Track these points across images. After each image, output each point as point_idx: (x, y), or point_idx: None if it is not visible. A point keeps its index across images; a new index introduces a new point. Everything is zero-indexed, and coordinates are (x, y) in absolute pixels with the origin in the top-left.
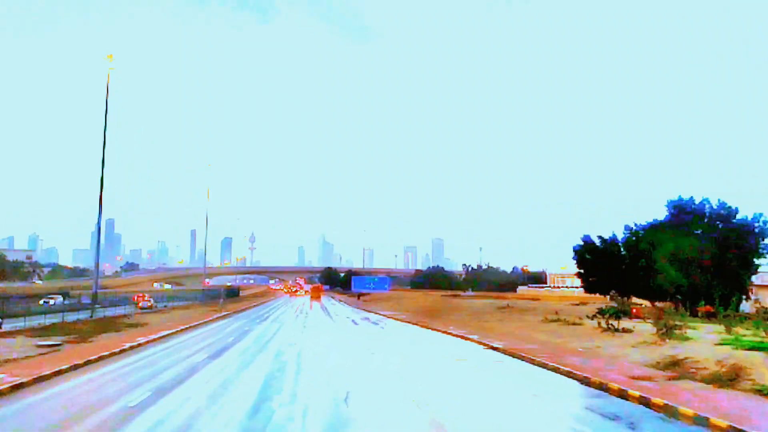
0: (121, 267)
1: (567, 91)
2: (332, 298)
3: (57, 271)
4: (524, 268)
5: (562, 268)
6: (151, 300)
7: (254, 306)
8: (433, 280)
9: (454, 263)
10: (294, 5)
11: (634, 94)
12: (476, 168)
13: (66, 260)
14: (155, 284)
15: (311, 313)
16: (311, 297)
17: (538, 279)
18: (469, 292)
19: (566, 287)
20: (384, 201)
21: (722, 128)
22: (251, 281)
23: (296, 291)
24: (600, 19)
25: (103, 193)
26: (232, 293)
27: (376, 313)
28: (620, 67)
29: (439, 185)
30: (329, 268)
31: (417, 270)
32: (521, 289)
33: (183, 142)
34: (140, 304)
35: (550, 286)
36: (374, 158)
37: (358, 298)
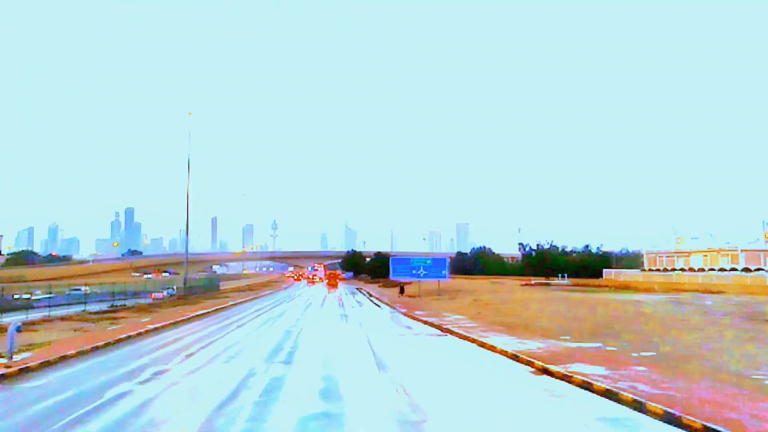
0: (122, 255)
1: (586, 76)
2: (359, 290)
3: (18, 258)
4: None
5: (679, 242)
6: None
7: (185, 321)
8: (480, 264)
9: (481, 247)
10: None
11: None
12: (500, 152)
13: (88, 250)
14: (154, 274)
15: (304, 356)
16: (327, 285)
17: (622, 260)
18: (563, 279)
19: (694, 270)
20: (406, 187)
21: None
22: (271, 269)
23: (313, 278)
24: None
25: None
26: (207, 286)
27: (516, 353)
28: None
29: (462, 170)
30: (353, 251)
31: (459, 253)
32: (614, 273)
33: (206, 130)
34: None
35: (649, 269)
36: (397, 144)
37: (401, 293)
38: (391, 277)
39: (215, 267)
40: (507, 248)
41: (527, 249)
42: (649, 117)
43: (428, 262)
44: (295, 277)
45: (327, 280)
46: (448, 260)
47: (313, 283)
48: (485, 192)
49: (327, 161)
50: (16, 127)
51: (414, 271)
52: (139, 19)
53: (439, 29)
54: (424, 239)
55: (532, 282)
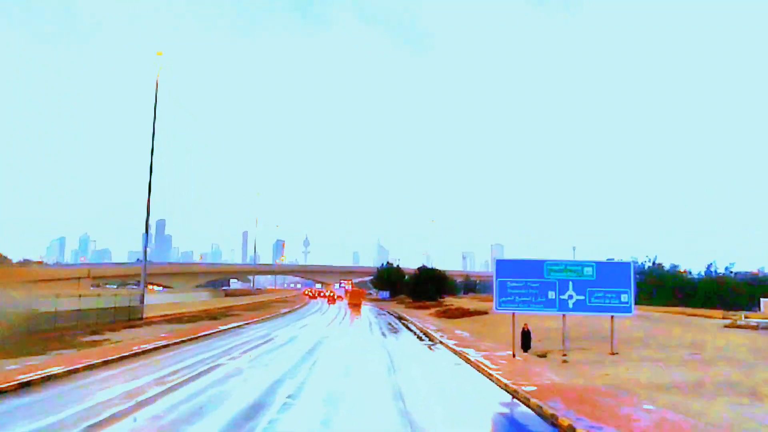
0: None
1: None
2: (402, 322)
3: None
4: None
5: None
6: None
7: None
8: None
9: None
10: (348, 12)
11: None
12: (536, 173)
13: (120, 261)
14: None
15: None
16: (349, 305)
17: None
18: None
19: None
20: (439, 206)
21: None
22: (298, 285)
23: (332, 296)
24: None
25: None
26: (101, 315)
27: None
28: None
29: (496, 190)
30: (388, 264)
31: None
32: None
33: (240, 146)
34: None
35: None
36: (430, 164)
37: (525, 346)
38: (497, 307)
39: (233, 281)
40: None
41: None
42: (650, 121)
43: (588, 272)
44: (311, 294)
45: (349, 299)
46: (633, 267)
47: (333, 301)
48: (519, 212)
49: (359, 180)
50: (50, 136)
51: (551, 294)
52: (177, 33)
53: (469, 55)
54: (465, 257)
55: (738, 322)
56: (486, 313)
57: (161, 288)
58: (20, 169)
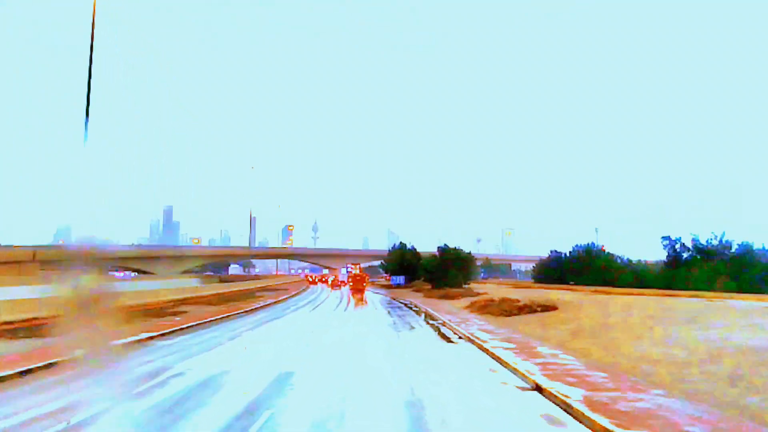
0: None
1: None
2: (433, 326)
3: None
4: None
5: None
6: None
7: None
8: (594, 268)
9: (589, 244)
10: (358, 2)
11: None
12: (545, 157)
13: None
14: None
15: None
16: (352, 290)
17: None
18: None
19: None
20: (449, 193)
21: None
22: (306, 271)
23: (334, 281)
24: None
25: None
26: None
27: None
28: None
29: (508, 176)
30: (401, 245)
31: (554, 252)
32: None
33: (250, 132)
34: None
35: None
36: (439, 150)
37: None
38: None
39: (234, 266)
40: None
41: (677, 247)
42: (664, 107)
43: None
44: (311, 280)
45: (351, 285)
46: None
47: (337, 287)
48: (528, 198)
49: (369, 166)
50: (54, 124)
51: None
52: (186, 20)
53: (479, 40)
54: (479, 240)
55: None
56: (554, 308)
57: (131, 273)
58: (27, 158)
